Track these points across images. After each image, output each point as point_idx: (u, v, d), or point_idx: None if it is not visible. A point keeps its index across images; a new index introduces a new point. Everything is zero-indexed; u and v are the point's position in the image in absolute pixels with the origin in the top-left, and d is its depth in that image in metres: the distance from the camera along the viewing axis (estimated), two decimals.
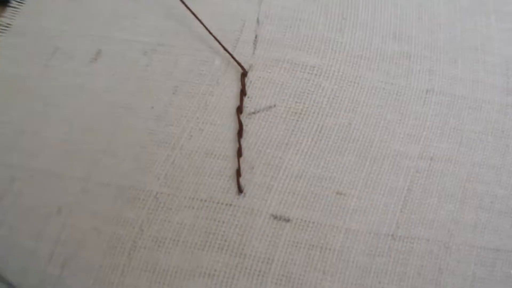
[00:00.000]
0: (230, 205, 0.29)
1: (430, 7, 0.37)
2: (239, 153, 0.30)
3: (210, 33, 0.32)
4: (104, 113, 0.31)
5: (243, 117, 0.31)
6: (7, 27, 0.35)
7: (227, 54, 0.33)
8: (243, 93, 0.31)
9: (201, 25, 0.34)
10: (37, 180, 0.30)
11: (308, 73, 0.33)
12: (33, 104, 0.32)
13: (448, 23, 0.37)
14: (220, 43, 0.32)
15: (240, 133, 0.30)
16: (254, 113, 0.31)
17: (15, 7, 0.36)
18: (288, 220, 0.29)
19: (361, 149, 0.31)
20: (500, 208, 0.31)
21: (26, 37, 0.35)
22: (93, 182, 0.30)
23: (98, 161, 0.30)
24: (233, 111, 0.31)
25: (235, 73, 0.33)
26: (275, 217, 0.28)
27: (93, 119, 0.31)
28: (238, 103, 0.31)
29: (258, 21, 0.35)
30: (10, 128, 0.31)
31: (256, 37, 0.34)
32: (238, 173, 0.29)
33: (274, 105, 0.31)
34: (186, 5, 0.33)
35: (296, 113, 0.31)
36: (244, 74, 0.32)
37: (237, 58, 0.33)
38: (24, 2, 0.36)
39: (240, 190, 0.29)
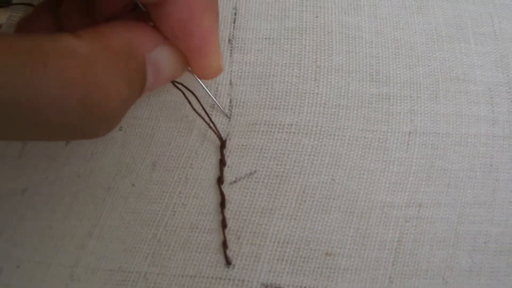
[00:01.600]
0: (220, 278, 0.33)
1: (407, 40, 0.42)
2: (224, 225, 0.34)
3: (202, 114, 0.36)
4: (85, 196, 0.36)
5: (224, 187, 0.35)
6: None
7: (204, 123, 0.37)
8: (222, 163, 0.36)
9: (175, 94, 0.38)
10: (24, 270, 0.34)
11: (286, 132, 0.37)
12: (12, 193, 0.37)
13: (426, 56, 0.41)
14: (209, 121, 0.36)
15: (223, 204, 0.35)
16: (235, 181, 0.35)
17: None
18: None
19: (347, 205, 0.35)
20: (494, 247, 0.35)
21: None
22: (81, 267, 0.34)
23: (84, 245, 0.35)
24: (214, 182, 0.36)
25: (213, 142, 0.37)
26: (266, 286, 0.32)
27: (74, 202, 0.36)
28: (218, 174, 0.35)
29: (231, 83, 0.39)
30: None
31: (230, 101, 0.39)
32: (225, 245, 0.34)
33: (255, 171, 0.36)
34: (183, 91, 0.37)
35: (277, 176, 0.36)
36: (222, 146, 0.36)
37: (214, 127, 0.37)
38: None
39: (228, 262, 0.33)
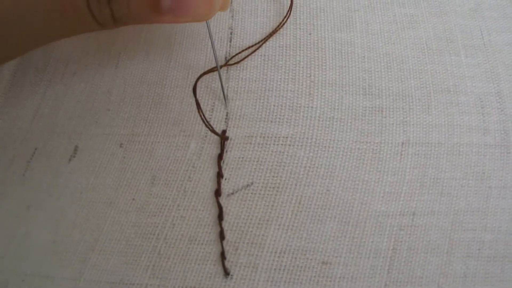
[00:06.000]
0: None
1: (398, 54, 0.43)
2: (222, 236, 0.35)
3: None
4: (88, 211, 0.38)
5: (222, 199, 0.37)
6: None
7: (201, 137, 0.39)
8: (220, 176, 0.37)
9: (173, 111, 0.40)
10: (29, 284, 0.35)
11: (282, 144, 0.38)
12: (18, 209, 0.39)
13: (417, 69, 0.42)
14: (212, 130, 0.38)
15: (220, 216, 0.36)
16: (232, 193, 0.37)
17: None
18: None
19: (342, 215, 0.36)
20: (488, 253, 0.35)
21: (3, 140, 0.41)
22: (84, 281, 0.36)
23: (87, 259, 0.36)
24: (212, 194, 0.37)
25: (210, 155, 0.39)
26: None
27: (77, 217, 0.38)
28: (216, 186, 0.37)
29: (227, 98, 0.40)
30: None
31: (227, 114, 0.40)
32: (223, 256, 0.35)
33: (252, 183, 0.37)
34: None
35: (274, 187, 0.37)
36: (220, 158, 0.37)
37: (211, 139, 0.39)
38: None
39: (226, 273, 0.34)
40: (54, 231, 0.37)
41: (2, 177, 0.40)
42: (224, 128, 0.40)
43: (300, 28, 0.45)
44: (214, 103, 0.41)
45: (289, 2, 0.45)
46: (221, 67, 0.41)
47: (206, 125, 0.37)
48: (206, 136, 0.40)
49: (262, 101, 0.41)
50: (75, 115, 0.42)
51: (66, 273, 0.36)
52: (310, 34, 0.45)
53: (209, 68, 0.43)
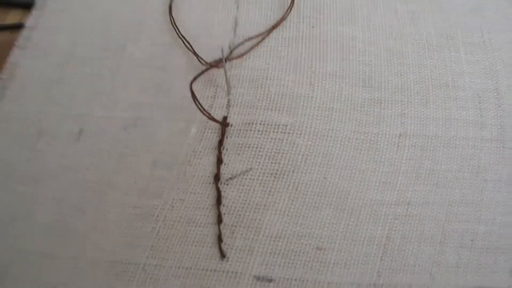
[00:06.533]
0: (215, 270, 0.35)
1: (399, 49, 0.44)
2: (219, 220, 0.36)
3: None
4: (90, 192, 0.38)
5: (221, 184, 0.37)
6: None
7: (202, 123, 0.39)
8: (219, 161, 0.37)
9: (176, 96, 0.40)
10: (31, 263, 0.36)
11: (281, 132, 0.39)
12: (23, 188, 0.39)
13: (417, 63, 0.43)
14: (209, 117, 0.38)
15: (219, 200, 0.36)
16: (231, 178, 0.37)
17: None
18: (271, 280, 0.34)
19: (338, 202, 0.36)
20: (482, 245, 0.36)
21: (11, 122, 0.42)
22: (84, 259, 0.36)
23: (88, 238, 0.37)
24: (211, 179, 0.38)
25: (211, 141, 0.39)
26: (258, 278, 0.34)
27: (80, 198, 0.38)
28: (215, 171, 0.37)
29: (229, 86, 0.41)
30: (3, 213, 0.38)
31: (228, 101, 0.40)
32: (220, 239, 0.35)
33: (250, 169, 0.37)
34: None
35: (272, 174, 0.37)
36: (220, 143, 0.38)
37: (212, 125, 0.39)
38: None
39: (222, 255, 0.35)
40: (57, 210, 0.38)
41: (8, 157, 0.41)
42: (225, 115, 0.40)
43: (303, 22, 0.46)
44: (216, 89, 0.42)
45: None
46: (226, 58, 0.42)
47: (204, 114, 0.38)
48: (207, 122, 0.40)
49: (263, 89, 0.42)
50: (81, 98, 0.43)
51: (68, 252, 0.36)
52: (313, 27, 0.45)
53: (212, 53, 0.43)
